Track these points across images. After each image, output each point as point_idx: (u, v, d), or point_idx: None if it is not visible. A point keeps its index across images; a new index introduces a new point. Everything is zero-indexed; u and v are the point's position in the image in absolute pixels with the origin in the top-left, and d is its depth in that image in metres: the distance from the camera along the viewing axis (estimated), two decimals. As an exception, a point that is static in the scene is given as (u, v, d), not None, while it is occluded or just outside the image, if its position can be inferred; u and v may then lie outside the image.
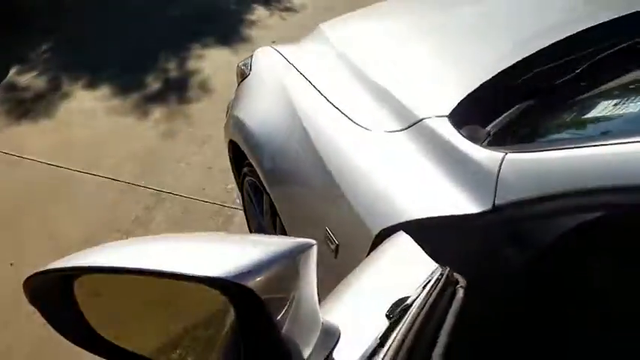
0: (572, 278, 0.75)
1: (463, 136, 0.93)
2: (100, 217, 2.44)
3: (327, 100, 1.26)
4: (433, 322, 0.64)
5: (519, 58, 1.10)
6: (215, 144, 2.73)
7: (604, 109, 0.83)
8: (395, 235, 0.85)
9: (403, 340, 0.62)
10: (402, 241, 0.83)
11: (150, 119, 3.07)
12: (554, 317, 0.76)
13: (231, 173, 1.98)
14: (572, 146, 0.72)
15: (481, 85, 1.05)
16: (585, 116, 0.86)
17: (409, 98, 1.09)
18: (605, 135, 0.70)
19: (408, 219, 0.87)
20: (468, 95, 1.03)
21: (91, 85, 3.42)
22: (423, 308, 0.65)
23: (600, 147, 0.68)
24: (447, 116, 0.98)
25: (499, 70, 1.09)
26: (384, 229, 0.90)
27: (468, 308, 0.67)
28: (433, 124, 0.99)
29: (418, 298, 0.66)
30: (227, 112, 1.86)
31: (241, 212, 2.16)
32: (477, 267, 0.78)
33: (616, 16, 1.19)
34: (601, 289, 0.76)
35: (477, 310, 0.71)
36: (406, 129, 1.03)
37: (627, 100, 0.81)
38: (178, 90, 3.31)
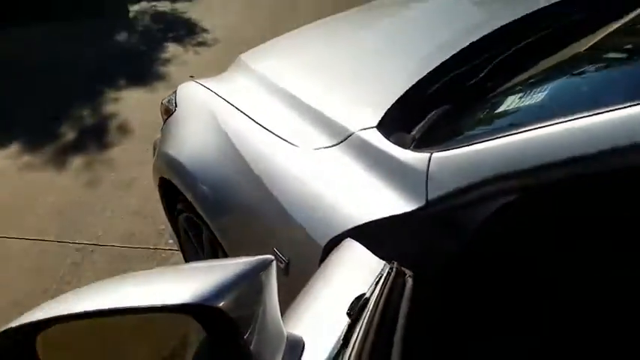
0: (502, 255, 0.85)
1: (392, 143, 1.03)
2: (26, 279, 2.33)
3: (260, 125, 1.33)
4: (390, 311, 0.71)
5: (433, 67, 1.24)
6: (141, 186, 2.70)
7: (511, 103, 0.96)
8: (343, 242, 0.93)
9: (366, 334, 0.68)
10: (350, 246, 0.90)
11: (69, 170, 2.99)
12: (492, 295, 0.86)
13: (163, 213, 1.98)
14: (487, 139, 0.83)
15: (403, 95, 1.17)
16: (496, 111, 0.99)
17: (339, 115, 1.18)
18: (513, 125, 0.81)
19: (353, 226, 0.94)
20: (392, 106, 1.14)
21: (1, 144, 3.28)
22: (379, 301, 0.72)
23: (510, 136, 0.80)
24: (375, 127, 1.08)
25: (417, 79, 1.21)
26: (331, 239, 0.97)
27: (418, 296, 0.75)
28: (364, 135, 1.08)
29: (373, 294, 0.74)
30: (154, 150, 1.88)
31: (177, 253, 2.14)
32: (420, 258, 0.87)
33: (513, 19, 1.37)
34: (528, 263, 0.87)
35: (424, 297, 0.79)
36: (340, 143, 1.11)
37: (529, 93, 0.95)
38: (96, 136, 3.25)
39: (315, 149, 1.15)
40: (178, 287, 0.56)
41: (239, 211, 1.35)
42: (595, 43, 1.09)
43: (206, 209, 1.47)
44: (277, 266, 1.13)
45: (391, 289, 0.74)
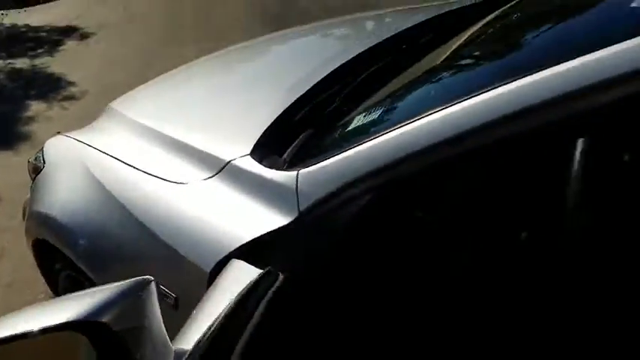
0: (367, 250, 0.99)
1: (265, 166, 1.14)
2: None
3: (136, 169, 1.37)
4: (248, 310, 0.81)
5: (297, 97, 1.38)
6: (12, 255, 2.56)
7: (361, 120, 1.13)
8: (228, 263, 1.01)
9: (226, 331, 0.78)
10: (235, 265, 0.99)
11: None
12: (371, 288, 0.99)
13: (40, 279, 1.90)
14: (341, 151, 0.99)
15: (271, 124, 1.29)
16: (348, 129, 1.16)
17: (213, 148, 1.27)
18: (362, 137, 0.97)
19: (236, 246, 1.03)
20: (262, 134, 1.25)
21: None
22: (241, 303, 0.82)
23: (359, 146, 0.96)
24: (249, 154, 1.19)
25: (284, 109, 1.35)
26: (217, 264, 1.04)
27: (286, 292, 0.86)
28: (239, 163, 1.18)
29: (240, 297, 0.84)
30: (24, 213, 1.82)
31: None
32: (299, 263, 0.98)
33: (365, 49, 1.57)
34: (402, 253, 1.02)
35: (304, 300, 0.89)
36: (217, 174, 1.20)
37: (375, 110, 1.14)
38: (-45, 208, 3.01)
39: (193, 183, 1.22)
40: (65, 309, 0.61)
41: (122, 258, 1.36)
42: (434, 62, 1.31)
43: (87, 263, 1.46)
44: (166, 304, 1.17)
45: (255, 292, 0.84)
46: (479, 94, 0.84)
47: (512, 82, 0.81)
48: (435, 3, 2.03)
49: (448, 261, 1.03)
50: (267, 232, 1.01)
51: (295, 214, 1.00)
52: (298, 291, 0.95)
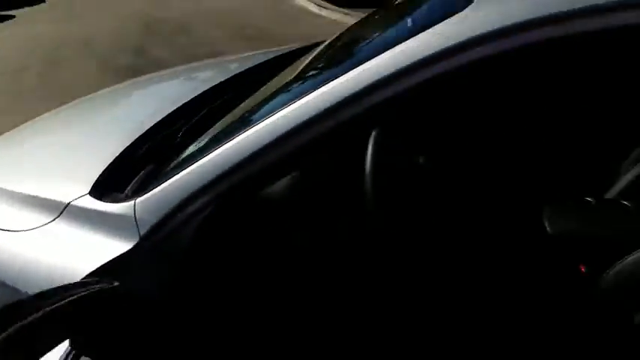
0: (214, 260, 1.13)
1: (105, 202, 1.22)
2: None
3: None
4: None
5: (136, 137, 1.49)
6: None
7: (190, 150, 1.29)
8: None
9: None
10: None
11: None
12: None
13: None
14: (172, 176, 1.15)
15: (109, 164, 1.39)
16: (181, 158, 1.32)
17: (53, 192, 1.33)
18: (187, 163, 1.14)
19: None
20: (102, 174, 1.34)
21: None
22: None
23: (184, 170, 1.13)
24: (87, 194, 1.27)
25: (123, 149, 1.45)
26: None
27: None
28: (79, 203, 1.25)
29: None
30: None
31: None
32: (146, 283, 1.09)
33: (204, 90, 1.75)
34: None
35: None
36: (59, 216, 1.26)
37: (202, 140, 1.30)
38: None
39: (37, 229, 1.27)
40: None
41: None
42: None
43: None
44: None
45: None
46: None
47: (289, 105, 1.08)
48: (270, 49, 2.29)
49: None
50: (110, 261, 1.09)
51: (137, 239, 1.10)
52: (145, 309, 1.05)
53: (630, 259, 1.33)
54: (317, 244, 1.32)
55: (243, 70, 1.99)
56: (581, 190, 1.65)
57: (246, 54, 2.42)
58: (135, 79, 2.43)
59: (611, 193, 1.72)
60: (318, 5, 7.27)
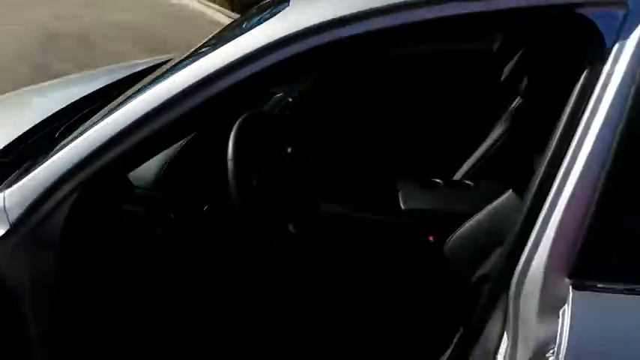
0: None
1: None
2: None
3: None
4: None
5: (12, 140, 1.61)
6: None
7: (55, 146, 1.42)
8: None
9: None
10: None
11: None
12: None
13: None
14: (35, 168, 1.29)
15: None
16: (48, 154, 1.39)
17: None
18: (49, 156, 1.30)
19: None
20: None
21: None
22: None
23: (45, 161, 1.27)
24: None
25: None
26: None
27: None
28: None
29: None
30: None
31: None
32: (17, 272, 1.24)
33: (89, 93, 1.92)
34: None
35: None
36: None
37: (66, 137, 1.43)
38: None
39: None
40: None
41: None
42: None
43: None
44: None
45: None
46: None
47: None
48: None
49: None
50: None
51: (7, 228, 1.24)
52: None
53: (464, 227, 1.60)
54: (182, 227, 1.48)
55: (125, 75, 2.13)
56: (433, 172, 1.93)
57: (133, 61, 2.56)
58: (24, 88, 2.54)
59: (458, 175, 2.01)
60: (230, 17, 7.43)
